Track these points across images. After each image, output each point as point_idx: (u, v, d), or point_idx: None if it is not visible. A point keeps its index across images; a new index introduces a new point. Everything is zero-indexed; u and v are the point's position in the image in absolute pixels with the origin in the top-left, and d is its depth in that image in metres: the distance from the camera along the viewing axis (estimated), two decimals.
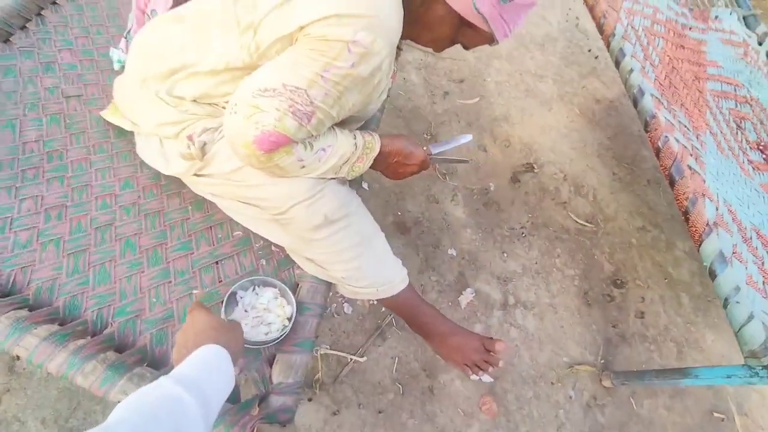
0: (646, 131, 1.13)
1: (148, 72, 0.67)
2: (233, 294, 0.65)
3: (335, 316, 1.12)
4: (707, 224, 0.95)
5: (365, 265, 0.71)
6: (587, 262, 1.43)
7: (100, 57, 0.87)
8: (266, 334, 0.63)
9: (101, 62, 0.87)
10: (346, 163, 0.66)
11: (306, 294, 0.71)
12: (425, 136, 1.54)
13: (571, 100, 1.88)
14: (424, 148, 0.77)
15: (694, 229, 0.96)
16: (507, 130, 1.67)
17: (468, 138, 0.87)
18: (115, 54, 0.85)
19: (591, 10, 1.42)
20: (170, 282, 0.67)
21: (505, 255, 1.36)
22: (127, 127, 0.75)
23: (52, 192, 0.68)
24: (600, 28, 1.37)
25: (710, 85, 1.39)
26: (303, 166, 0.61)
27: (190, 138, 0.66)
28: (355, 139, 0.67)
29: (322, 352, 1.04)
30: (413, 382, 1.07)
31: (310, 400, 0.99)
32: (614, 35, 1.32)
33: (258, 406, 0.58)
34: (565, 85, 1.92)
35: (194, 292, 0.67)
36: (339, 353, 1.05)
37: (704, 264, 0.93)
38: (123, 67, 0.78)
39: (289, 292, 0.67)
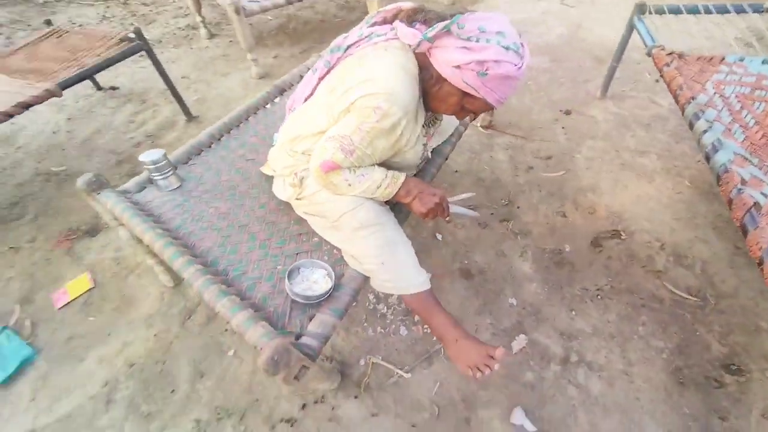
0: (719, 185, 1.09)
1: (284, 139, 1.15)
2: (297, 267, 0.98)
3: (392, 335, 1.30)
4: None
5: (388, 262, 0.95)
6: (685, 337, 1.25)
7: (269, 140, 1.46)
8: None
9: (269, 142, 1.45)
10: (378, 187, 0.95)
11: (345, 279, 0.98)
12: (502, 201, 1.71)
13: (680, 173, 1.77)
14: (441, 190, 1.01)
15: None
16: (593, 199, 1.69)
17: (475, 215, 1.14)
18: (275, 137, 1.42)
19: (668, 84, 1.48)
20: (267, 260, 1.04)
21: (574, 313, 1.32)
22: (269, 173, 1.24)
23: (225, 204, 1.19)
24: (676, 98, 1.41)
25: None
26: (349, 184, 0.94)
27: (295, 174, 1.08)
28: (386, 172, 0.98)
29: (374, 361, 1.23)
30: (450, 408, 1.12)
31: (356, 397, 1.16)
32: (692, 102, 1.34)
33: (295, 339, 0.85)
34: (673, 160, 1.83)
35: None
36: (388, 365, 1.22)
37: None
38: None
39: (333, 273, 0.96)
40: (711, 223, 1.56)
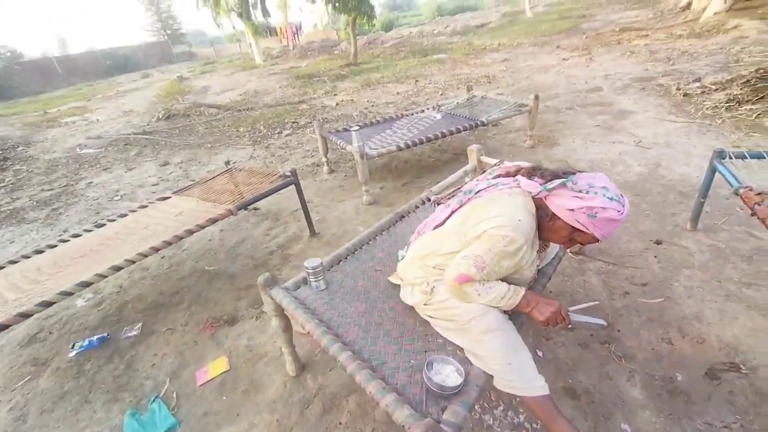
0: None
1: (417, 255, 1.45)
2: (431, 362, 1.17)
3: None
4: None
5: (514, 363, 1.11)
6: None
7: (394, 255, 1.79)
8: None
9: (394, 257, 1.78)
10: (503, 297, 1.17)
11: (472, 376, 1.14)
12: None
13: None
14: (557, 303, 1.18)
15: None
16: (700, 328, 1.68)
17: (601, 323, 1.23)
18: (400, 253, 1.76)
19: (764, 221, 1.58)
20: (401, 354, 1.26)
21: None
22: (396, 282, 1.53)
23: (362, 305, 1.48)
24: None
25: None
26: (478, 294, 1.17)
27: (427, 284, 1.35)
28: (509, 286, 1.19)
29: None
30: None
31: None
32: None
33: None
34: None
35: None
36: None
37: None
38: (403, 257, 1.63)
39: (462, 370, 1.14)
40: None
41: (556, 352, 1.67)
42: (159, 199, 2.84)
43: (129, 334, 2.25)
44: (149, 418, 1.74)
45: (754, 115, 3.70)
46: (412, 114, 4.26)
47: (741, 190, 1.82)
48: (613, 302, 1.89)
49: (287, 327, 1.67)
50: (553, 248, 1.59)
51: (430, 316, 1.36)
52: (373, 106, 6.68)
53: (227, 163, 3.23)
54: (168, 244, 2.13)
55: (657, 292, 1.91)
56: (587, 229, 1.10)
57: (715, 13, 8.67)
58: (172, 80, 14.47)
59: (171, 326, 2.27)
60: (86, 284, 1.89)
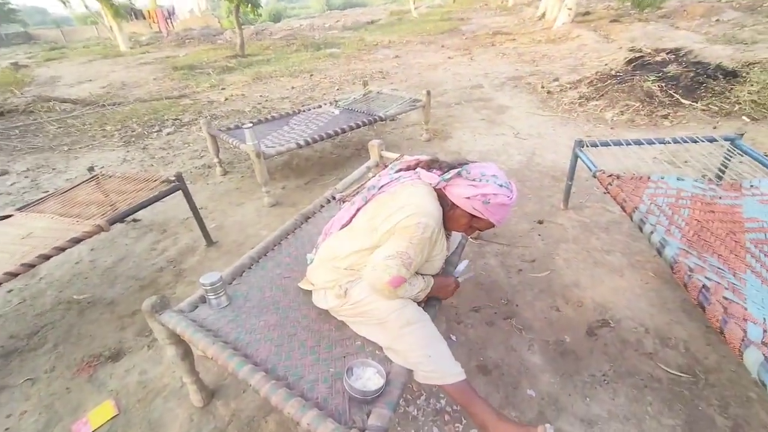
0: (673, 273, 1.39)
1: (326, 257, 1.39)
2: (350, 368, 1.12)
3: None
4: (742, 340, 1.08)
5: (433, 354, 1.12)
6: (690, 413, 1.39)
7: (302, 260, 1.70)
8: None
9: (302, 262, 1.68)
10: (421, 291, 1.22)
11: (393, 375, 1.12)
12: (502, 301, 1.94)
13: (643, 266, 2.11)
14: (453, 277, 1.34)
15: (732, 345, 1.09)
16: (578, 293, 1.96)
17: (472, 275, 1.46)
18: (309, 257, 1.66)
19: (614, 198, 1.90)
20: (319, 364, 1.18)
21: (588, 399, 1.46)
22: (308, 287, 1.45)
23: (272, 317, 1.36)
24: (623, 208, 1.81)
25: (751, 236, 1.58)
26: (405, 291, 1.18)
27: (340, 286, 1.30)
28: (425, 280, 1.24)
29: None
30: None
31: None
32: (636, 211, 1.74)
33: None
34: (634, 256, 2.19)
35: None
36: None
37: (752, 375, 1.02)
38: (312, 261, 1.55)
39: (383, 371, 1.11)
40: (680, 307, 1.82)
41: (467, 333, 1.77)
42: None
43: None
44: None
45: (598, 110, 4.47)
46: (310, 110, 4.12)
47: (597, 173, 2.16)
48: (510, 279, 2.09)
49: (186, 353, 1.45)
50: (456, 237, 1.67)
51: (346, 317, 1.31)
52: (266, 101, 6.30)
53: (91, 169, 2.70)
54: (11, 276, 1.68)
55: (543, 266, 2.17)
56: (483, 215, 1.16)
57: (563, 23, 10.24)
58: (4, 68, 11.66)
59: (30, 376, 1.81)
60: None
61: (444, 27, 13.53)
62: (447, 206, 1.21)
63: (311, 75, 7.98)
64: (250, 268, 1.66)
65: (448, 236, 1.41)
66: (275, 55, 10.94)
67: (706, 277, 1.33)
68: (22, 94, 7.66)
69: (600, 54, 7.18)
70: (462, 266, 1.46)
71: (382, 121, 3.68)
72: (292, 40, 13.62)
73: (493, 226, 1.22)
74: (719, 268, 1.41)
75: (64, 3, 13.51)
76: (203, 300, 1.46)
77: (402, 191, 1.22)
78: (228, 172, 3.74)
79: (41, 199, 2.41)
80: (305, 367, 1.18)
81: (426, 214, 1.13)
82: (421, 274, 1.25)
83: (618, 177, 2.10)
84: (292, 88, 7.04)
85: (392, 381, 1.11)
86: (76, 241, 1.88)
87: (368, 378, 1.10)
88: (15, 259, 1.79)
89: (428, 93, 3.90)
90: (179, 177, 2.33)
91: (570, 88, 5.30)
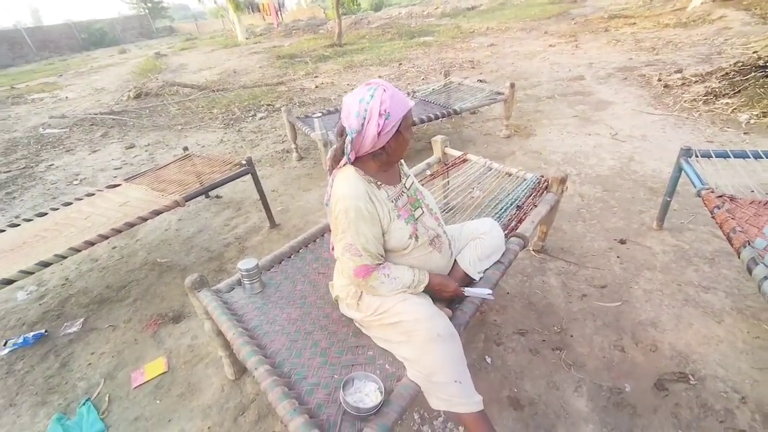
0: None
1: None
2: (351, 379, 1.07)
3: None
4: None
5: (462, 381, 1.03)
6: None
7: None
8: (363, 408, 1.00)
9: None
10: (410, 287, 1.14)
11: (394, 396, 1.05)
12: (554, 328, 1.71)
13: (755, 315, 1.66)
14: (461, 287, 1.24)
15: None
16: (654, 334, 1.63)
17: (488, 292, 1.26)
18: None
19: (721, 226, 1.52)
20: (325, 368, 1.16)
21: None
22: (334, 296, 1.42)
23: (296, 312, 1.38)
24: (729, 240, 1.43)
25: None
26: (383, 284, 1.11)
27: (356, 293, 1.25)
28: (414, 275, 1.15)
29: None
30: None
31: None
32: (748, 246, 1.36)
33: None
34: (744, 299, 1.74)
35: None
36: None
37: None
38: None
39: (383, 388, 1.04)
40: None
41: (505, 358, 1.60)
42: (108, 187, 2.67)
43: (68, 331, 2.12)
44: (76, 423, 1.63)
45: (730, 110, 3.64)
46: None
47: (703, 191, 1.75)
48: (570, 305, 1.82)
49: (220, 329, 1.56)
50: (496, 245, 1.45)
51: (361, 325, 1.26)
52: (353, 89, 6.45)
53: (186, 148, 3.05)
54: (103, 237, 1.98)
55: (615, 295, 1.84)
56: (396, 125, 1.05)
57: (702, 2, 8.55)
58: (149, 57, 13.87)
59: (113, 323, 2.14)
60: (28, 273, 1.75)
61: (552, 11, 12.34)
62: (379, 152, 1.10)
63: (400, 64, 7.95)
64: (289, 257, 1.71)
65: (403, 192, 1.21)
66: (369, 44, 11.14)
67: None
68: (156, 78, 9.02)
69: (748, 39, 5.84)
70: (478, 290, 1.28)
71: (457, 114, 3.49)
72: (388, 28, 13.72)
73: (411, 119, 1.12)
74: None
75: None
76: (239, 283, 1.54)
77: (332, 189, 1.16)
78: (303, 158, 3.93)
79: (143, 172, 2.80)
80: (311, 369, 1.16)
81: (341, 197, 1.08)
82: (412, 268, 1.18)
83: (732, 199, 1.67)
84: (379, 76, 7.09)
85: (392, 401, 1.04)
86: (157, 213, 2.14)
87: (367, 393, 1.05)
88: (110, 224, 2.10)
89: (512, 85, 3.58)
90: (249, 161, 2.50)
91: (696, 81, 4.41)
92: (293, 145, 3.80)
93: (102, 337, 2.06)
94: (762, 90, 3.66)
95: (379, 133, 1.04)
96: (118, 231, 2.03)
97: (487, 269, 1.41)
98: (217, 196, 3.35)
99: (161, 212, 2.16)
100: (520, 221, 1.71)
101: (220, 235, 2.82)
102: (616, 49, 6.78)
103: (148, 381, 1.77)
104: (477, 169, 2.17)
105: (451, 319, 1.18)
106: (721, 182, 1.90)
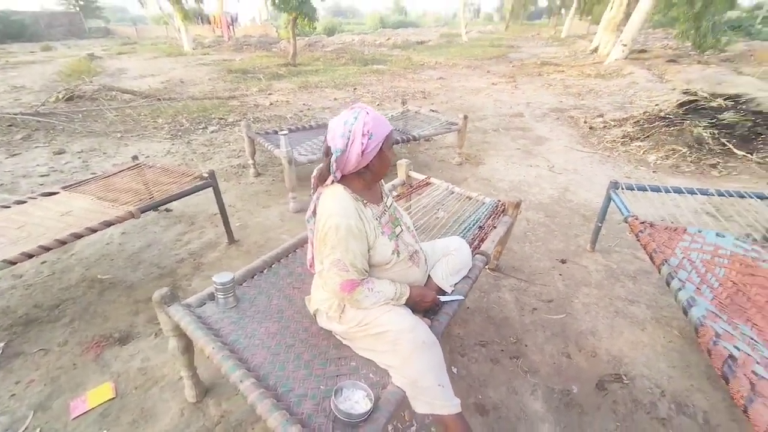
0: (697, 336, 1.28)
1: (317, 276, 1.38)
2: (340, 388, 1.11)
3: None
4: None
5: (444, 384, 1.10)
6: None
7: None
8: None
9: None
10: (392, 299, 1.22)
11: (382, 402, 1.10)
12: (511, 339, 1.87)
13: (669, 323, 1.97)
14: (433, 292, 1.35)
15: (757, 429, 0.99)
16: (593, 342, 1.85)
17: (461, 297, 1.43)
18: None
19: (644, 247, 1.80)
20: (310, 380, 1.18)
21: None
22: (309, 307, 1.45)
23: (274, 326, 1.37)
24: (652, 259, 1.71)
25: None
26: (366, 297, 1.17)
27: (339, 305, 1.30)
28: (396, 288, 1.23)
29: None
30: None
31: None
32: (666, 263, 1.63)
33: None
34: (661, 310, 2.05)
35: None
36: None
37: None
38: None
39: (372, 396, 1.09)
40: (704, 373, 1.68)
41: (469, 368, 1.71)
42: (43, 195, 2.42)
43: None
44: None
45: (641, 152, 4.29)
46: None
47: (629, 219, 2.06)
48: (523, 318, 2.01)
49: (187, 347, 1.49)
50: (463, 260, 1.58)
51: (342, 338, 1.30)
52: (308, 109, 6.51)
53: (135, 157, 2.87)
54: (45, 249, 1.80)
55: (560, 309, 2.07)
56: (379, 144, 1.14)
57: (615, 59, 9.99)
58: (81, 57, 12.77)
59: (45, 346, 1.92)
60: None
61: (492, 53, 13.55)
62: (363, 170, 1.19)
63: (355, 89, 8.19)
64: (262, 272, 1.70)
65: (385, 211, 1.31)
66: (324, 67, 11.34)
67: (735, 347, 1.22)
68: (91, 82, 8.33)
69: (651, 94, 6.92)
70: (452, 297, 1.44)
71: (415, 140, 3.70)
72: (342, 53, 14.09)
73: (397, 142, 1.30)
74: (752, 339, 1.29)
75: (141, 3, 14.72)
76: (212, 297, 1.50)
77: (319, 206, 1.23)
78: (261, 174, 3.87)
79: (86, 180, 2.59)
80: (296, 381, 1.17)
81: (331, 214, 1.14)
82: (393, 281, 1.25)
83: (651, 225, 1.99)
84: (335, 99, 7.25)
85: (381, 407, 1.08)
86: (108, 224, 1.99)
87: (356, 401, 1.09)
88: (51, 234, 1.91)
89: (465, 117, 3.89)
90: (212, 174, 2.44)
91: (614, 125, 5.12)
92: (251, 161, 3.74)
93: (30, 363, 1.83)
94: (665, 137, 4.37)
95: (363, 152, 1.13)
96: (63, 242, 1.86)
97: (457, 283, 1.53)
98: (167, 210, 3.17)
99: (113, 223, 2.02)
100: (482, 240, 1.87)
101: (172, 250, 2.67)
102: (549, 92, 7.64)
103: (91, 409, 1.61)
104: (440, 192, 2.34)
105: (430, 327, 1.27)
106: (640, 211, 2.25)
